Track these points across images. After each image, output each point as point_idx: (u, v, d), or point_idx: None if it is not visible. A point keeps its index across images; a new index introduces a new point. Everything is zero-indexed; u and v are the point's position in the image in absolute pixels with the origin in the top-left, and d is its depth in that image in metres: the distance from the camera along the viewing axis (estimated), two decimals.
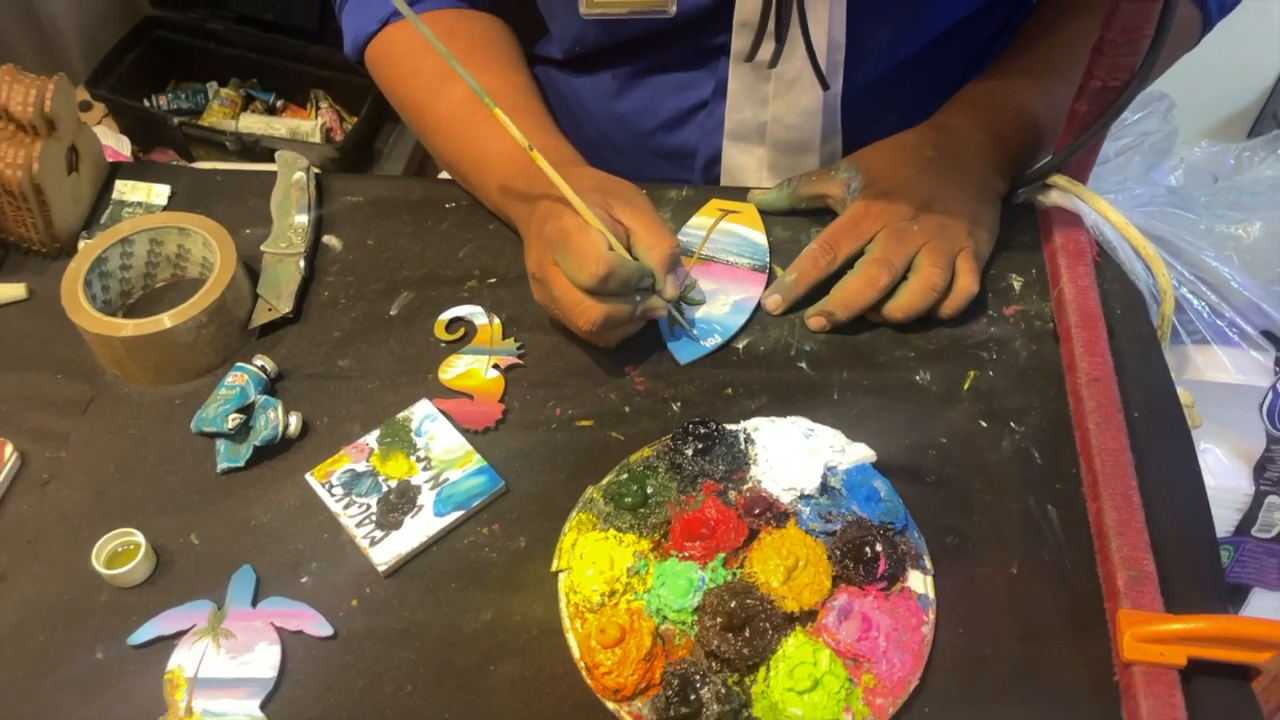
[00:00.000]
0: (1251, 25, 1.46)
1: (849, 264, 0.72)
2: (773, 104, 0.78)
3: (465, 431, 0.66)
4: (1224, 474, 0.95)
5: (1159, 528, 0.59)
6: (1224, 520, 0.97)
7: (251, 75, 1.63)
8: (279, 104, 1.63)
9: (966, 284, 0.71)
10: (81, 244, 0.76)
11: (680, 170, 0.86)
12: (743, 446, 0.63)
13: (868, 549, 0.58)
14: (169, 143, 1.52)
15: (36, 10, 1.53)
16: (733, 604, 0.55)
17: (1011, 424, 0.67)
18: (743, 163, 0.83)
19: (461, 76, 0.64)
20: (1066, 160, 0.73)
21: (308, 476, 0.64)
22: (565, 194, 0.64)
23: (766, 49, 0.73)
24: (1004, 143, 0.76)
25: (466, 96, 0.77)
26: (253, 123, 1.55)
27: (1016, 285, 0.75)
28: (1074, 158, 0.73)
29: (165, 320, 0.67)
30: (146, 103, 1.56)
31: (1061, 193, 0.75)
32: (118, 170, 0.83)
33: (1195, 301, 0.82)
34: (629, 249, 0.66)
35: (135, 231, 0.72)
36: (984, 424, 0.67)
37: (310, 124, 1.56)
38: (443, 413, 0.67)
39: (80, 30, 1.56)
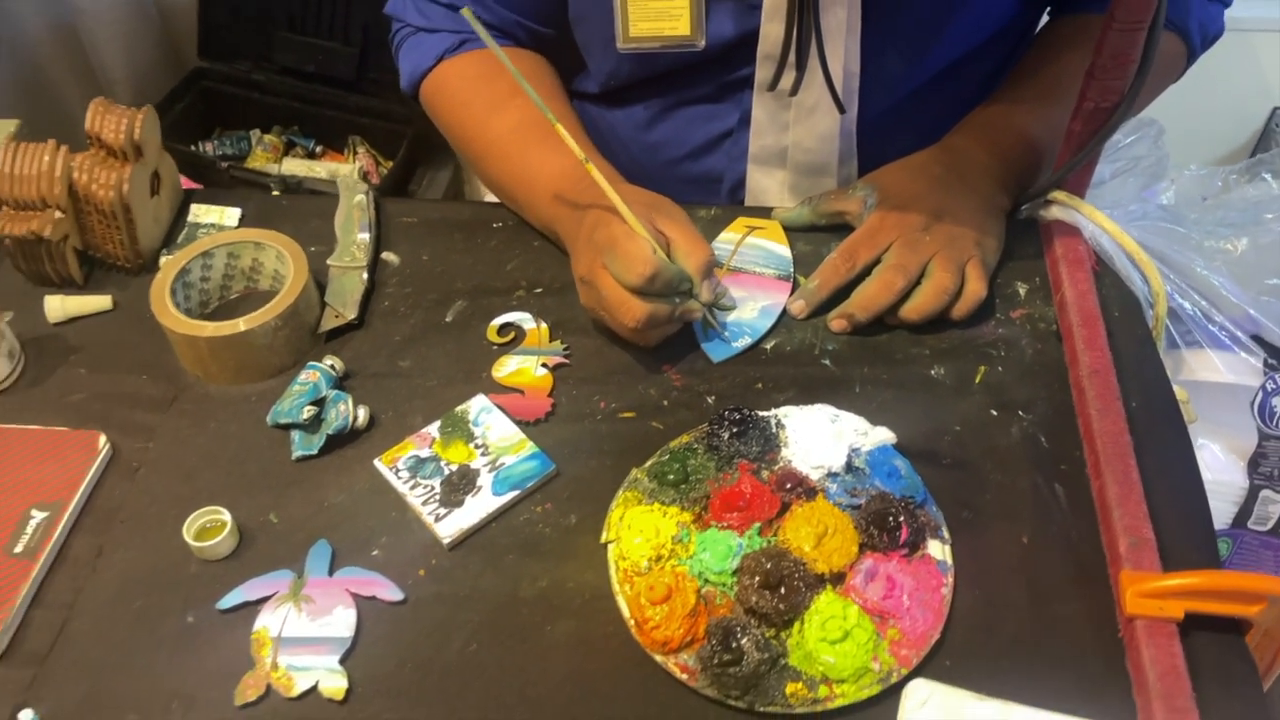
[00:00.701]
0: (1246, 68, 1.55)
1: (867, 272, 0.78)
2: (793, 130, 0.85)
3: (518, 422, 0.72)
4: (1220, 469, 1.00)
5: (1156, 501, 0.65)
6: (1221, 514, 1.01)
7: (293, 122, 1.71)
8: (318, 149, 1.71)
9: (975, 289, 0.77)
10: (162, 260, 0.83)
11: (707, 194, 0.93)
12: (774, 430, 0.69)
13: (891, 519, 0.63)
14: (216, 185, 1.60)
15: (90, 62, 1.63)
16: (769, 565, 0.60)
17: (1020, 413, 0.72)
18: (766, 185, 0.90)
19: (527, 93, 0.71)
20: (1065, 176, 0.80)
21: (376, 462, 0.70)
22: (615, 203, 0.71)
23: (787, 78, 0.80)
24: (1007, 162, 0.83)
25: (515, 124, 0.84)
26: (294, 166, 1.63)
27: (1022, 291, 0.81)
28: (1072, 174, 0.79)
29: (241, 324, 0.74)
30: (194, 148, 1.65)
31: (1061, 207, 0.81)
32: (192, 195, 0.90)
33: (1188, 307, 0.88)
34: (669, 256, 0.72)
35: (215, 246, 0.79)
36: (994, 413, 0.72)
37: (348, 168, 1.64)
38: (497, 406, 0.73)
39: (131, 81, 1.65)
